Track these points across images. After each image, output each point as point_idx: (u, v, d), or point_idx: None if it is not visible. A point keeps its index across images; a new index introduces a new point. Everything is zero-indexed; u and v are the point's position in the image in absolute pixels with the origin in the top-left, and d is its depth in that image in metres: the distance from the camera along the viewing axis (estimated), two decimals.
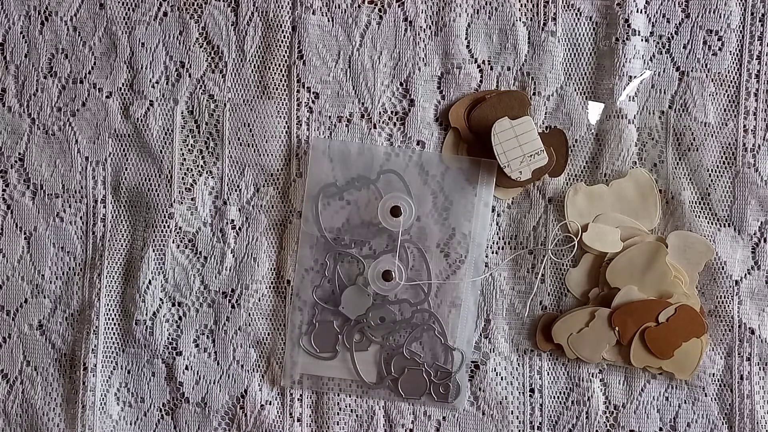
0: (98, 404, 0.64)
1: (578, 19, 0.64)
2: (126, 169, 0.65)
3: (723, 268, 0.62)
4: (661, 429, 0.63)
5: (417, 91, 0.64)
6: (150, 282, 0.64)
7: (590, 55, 0.64)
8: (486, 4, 0.64)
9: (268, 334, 0.64)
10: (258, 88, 0.64)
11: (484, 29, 0.64)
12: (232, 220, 0.64)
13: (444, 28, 0.64)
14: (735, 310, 0.62)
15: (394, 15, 0.64)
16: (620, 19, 0.63)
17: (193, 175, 0.64)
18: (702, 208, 0.63)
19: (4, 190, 0.65)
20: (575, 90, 0.64)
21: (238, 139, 0.64)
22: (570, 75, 0.64)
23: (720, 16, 0.63)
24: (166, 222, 0.64)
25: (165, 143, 0.64)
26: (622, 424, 0.63)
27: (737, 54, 0.63)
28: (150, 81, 0.64)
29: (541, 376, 0.64)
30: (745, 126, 0.63)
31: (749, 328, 0.63)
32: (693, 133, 0.63)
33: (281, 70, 0.64)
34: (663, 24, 0.63)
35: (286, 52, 0.64)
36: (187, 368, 0.64)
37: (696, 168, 0.63)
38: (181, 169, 0.64)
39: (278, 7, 0.64)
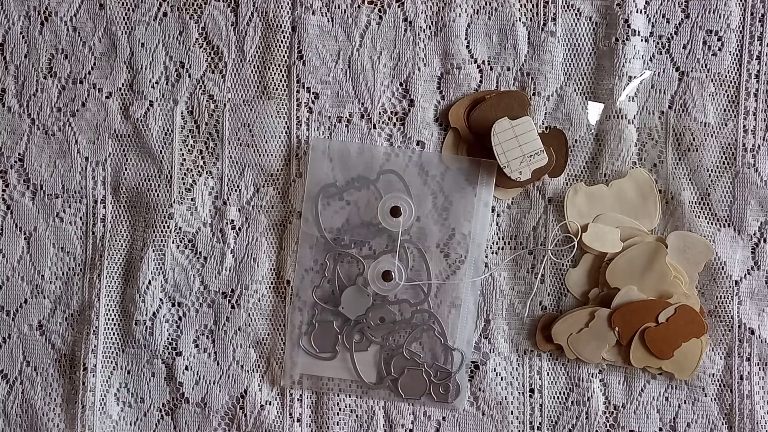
0: (98, 404, 0.64)
1: (578, 19, 0.64)
2: (126, 170, 0.65)
3: (723, 268, 0.62)
4: (660, 429, 0.63)
5: (417, 92, 0.64)
6: (150, 282, 0.64)
7: (590, 55, 0.64)
8: (486, 4, 0.64)
9: (268, 335, 0.64)
10: (258, 88, 0.64)
11: (483, 29, 0.64)
12: (232, 221, 0.64)
13: (444, 28, 0.64)
14: (735, 310, 0.62)
15: (393, 15, 0.64)
16: (620, 20, 0.63)
17: (192, 175, 0.64)
18: (702, 209, 0.63)
19: (4, 190, 0.65)
20: (575, 90, 0.64)
21: (238, 140, 0.64)
22: (570, 75, 0.64)
23: (720, 17, 0.63)
24: (166, 222, 0.64)
25: (165, 143, 0.64)
26: (622, 425, 0.63)
27: (737, 54, 0.63)
28: (150, 81, 0.64)
29: (540, 376, 0.64)
30: (744, 126, 0.63)
31: (749, 328, 0.63)
32: (693, 133, 0.63)
33: (281, 71, 0.64)
34: (663, 24, 0.63)
35: (285, 53, 0.64)
36: (186, 368, 0.64)
37: (696, 168, 0.63)
38: (180, 169, 0.64)
39: (278, 7, 0.64)
